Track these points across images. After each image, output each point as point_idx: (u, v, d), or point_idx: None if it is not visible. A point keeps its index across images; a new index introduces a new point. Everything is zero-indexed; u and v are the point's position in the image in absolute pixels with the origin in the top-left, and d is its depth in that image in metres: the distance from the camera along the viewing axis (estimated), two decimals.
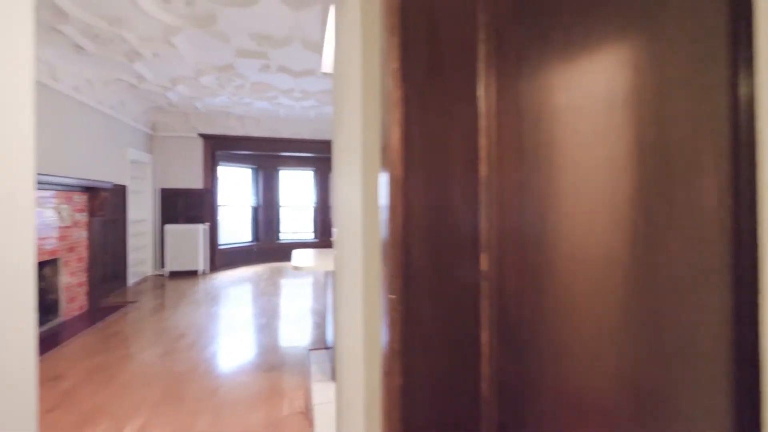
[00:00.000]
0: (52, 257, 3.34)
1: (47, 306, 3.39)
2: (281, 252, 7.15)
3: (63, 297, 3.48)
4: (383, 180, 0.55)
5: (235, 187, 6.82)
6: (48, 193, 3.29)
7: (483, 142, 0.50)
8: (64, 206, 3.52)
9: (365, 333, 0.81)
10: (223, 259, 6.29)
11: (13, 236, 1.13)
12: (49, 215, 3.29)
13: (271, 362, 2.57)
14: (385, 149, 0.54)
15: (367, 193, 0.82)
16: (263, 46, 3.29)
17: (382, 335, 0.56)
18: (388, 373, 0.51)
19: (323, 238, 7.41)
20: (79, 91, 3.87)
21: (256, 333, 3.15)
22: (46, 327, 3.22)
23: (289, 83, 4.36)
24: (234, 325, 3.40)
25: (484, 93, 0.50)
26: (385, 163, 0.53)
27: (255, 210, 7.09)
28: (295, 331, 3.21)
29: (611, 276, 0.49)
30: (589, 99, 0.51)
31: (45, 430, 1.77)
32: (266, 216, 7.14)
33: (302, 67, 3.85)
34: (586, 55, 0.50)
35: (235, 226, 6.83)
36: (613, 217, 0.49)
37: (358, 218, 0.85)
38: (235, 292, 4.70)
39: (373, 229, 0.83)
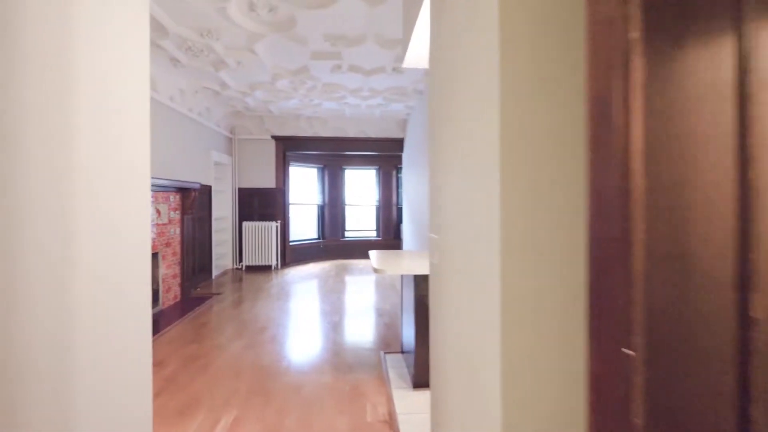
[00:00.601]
0: (153, 252, 3.71)
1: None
2: (346, 249, 7.29)
3: (162, 288, 3.86)
4: (600, 184, 0.42)
5: (303, 186, 7.09)
6: (153, 194, 3.65)
7: (757, 134, 0.34)
8: (162, 205, 3.89)
9: (508, 368, 0.69)
10: (293, 255, 6.58)
11: (134, 230, 1.20)
12: (152, 213, 3.66)
13: (349, 363, 2.56)
14: (602, 143, 0.41)
15: (510, 194, 0.69)
16: (337, 46, 3.30)
17: (595, 401, 0.43)
18: None
19: (386, 236, 7.41)
20: (173, 101, 4.25)
21: (331, 331, 3.19)
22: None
23: (358, 82, 4.37)
24: (309, 321, 3.48)
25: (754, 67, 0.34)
26: (608, 162, 0.40)
27: (321, 208, 7.32)
28: (367, 331, 3.19)
29: None
30: None
31: (152, 416, 1.92)
32: (332, 214, 7.33)
33: (373, 65, 3.82)
34: None
35: (302, 223, 7.11)
36: None
37: (493, 223, 0.73)
38: (306, 288, 4.86)
39: (515, 237, 0.70)
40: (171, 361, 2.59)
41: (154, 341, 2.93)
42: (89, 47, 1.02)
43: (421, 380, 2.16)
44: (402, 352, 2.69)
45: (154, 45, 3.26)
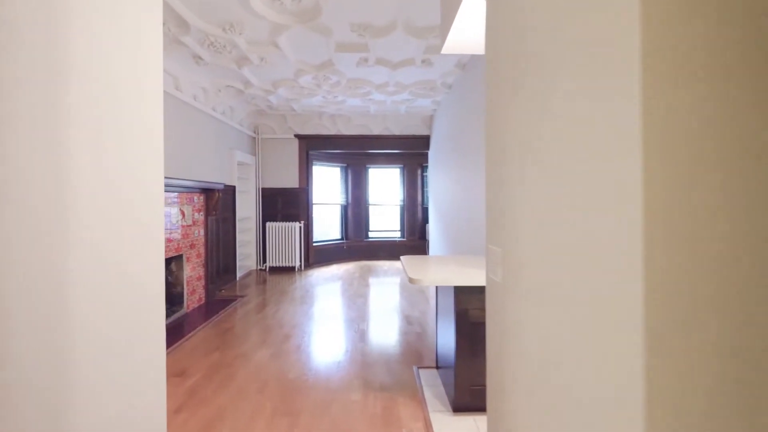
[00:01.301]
0: (177, 253, 3.65)
1: (173, 298, 3.72)
2: (370, 250, 7.12)
3: (186, 290, 3.80)
4: None
5: (326, 186, 6.96)
6: (174, 195, 3.58)
7: None
8: (186, 206, 3.82)
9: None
10: (316, 256, 6.46)
11: (147, 232, 1.05)
12: (176, 215, 3.59)
13: (379, 378, 2.36)
14: None
15: (662, 202, 0.46)
16: (364, 36, 3.10)
17: None
18: None
19: (411, 236, 7.18)
20: (196, 100, 4.18)
21: (358, 340, 3.00)
22: (173, 318, 3.52)
23: (384, 76, 4.15)
24: (334, 328, 3.31)
25: None
26: None
27: (344, 208, 7.17)
28: (397, 341, 2.98)
29: None
30: None
31: None
32: (355, 214, 7.17)
33: (401, 57, 3.59)
34: None
35: (326, 224, 6.98)
36: None
37: (626, 238, 0.50)
38: (330, 291, 4.71)
39: (665, 253, 0.47)
40: (194, 370, 2.47)
41: (177, 347, 2.84)
42: (92, 39, 0.86)
43: (462, 403, 1.93)
44: (437, 367, 2.47)
45: (176, 42, 3.16)
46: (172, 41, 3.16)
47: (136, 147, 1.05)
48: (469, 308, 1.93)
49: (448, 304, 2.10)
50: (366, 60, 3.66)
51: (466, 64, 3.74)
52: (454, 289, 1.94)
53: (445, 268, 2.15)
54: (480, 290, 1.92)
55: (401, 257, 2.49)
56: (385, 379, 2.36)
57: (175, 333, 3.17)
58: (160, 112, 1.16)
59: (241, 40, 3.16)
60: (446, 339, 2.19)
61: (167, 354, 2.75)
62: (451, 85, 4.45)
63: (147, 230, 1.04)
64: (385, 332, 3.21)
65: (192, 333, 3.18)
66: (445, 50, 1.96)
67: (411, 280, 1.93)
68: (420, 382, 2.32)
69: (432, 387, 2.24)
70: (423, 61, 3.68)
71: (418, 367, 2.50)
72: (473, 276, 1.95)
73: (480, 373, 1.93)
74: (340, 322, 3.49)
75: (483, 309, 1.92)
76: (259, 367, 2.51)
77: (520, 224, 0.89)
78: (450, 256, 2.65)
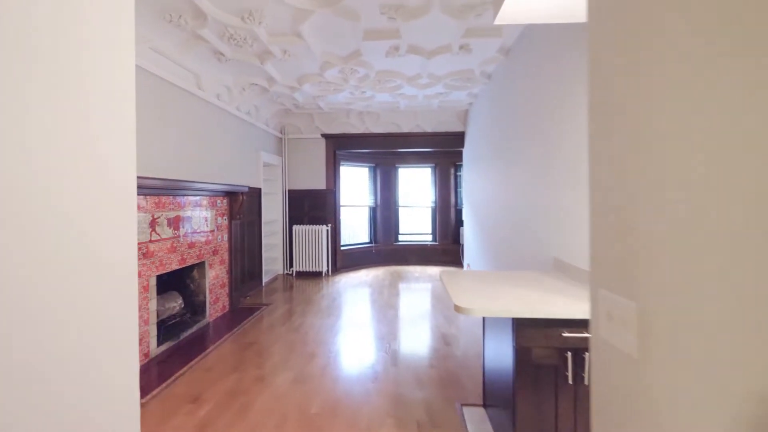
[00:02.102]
0: (199, 260, 3.47)
1: (195, 307, 3.54)
2: (400, 254, 6.77)
3: (209, 298, 3.62)
4: None
5: (354, 187, 6.67)
6: (196, 199, 3.40)
7: None
8: (210, 210, 3.64)
9: None
10: (344, 260, 6.20)
11: (116, 240, 0.76)
12: (199, 220, 3.41)
13: (417, 415, 2.01)
14: None
15: None
16: (395, 19, 2.75)
17: None
18: None
19: (443, 240, 6.75)
20: (220, 99, 4.00)
21: (390, 365, 2.66)
22: (195, 329, 3.34)
23: (416, 67, 3.78)
24: (363, 347, 2.99)
25: None
26: None
27: (373, 210, 6.85)
28: (435, 367, 2.61)
29: None
30: None
31: None
32: (384, 216, 6.84)
33: (436, 43, 3.21)
34: None
35: (353, 226, 6.70)
36: None
37: None
38: (358, 300, 4.40)
39: None
40: (208, 397, 2.23)
41: (196, 365, 2.62)
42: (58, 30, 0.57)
43: None
44: (485, 405, 2.07)
45: (195, 37, 2.95)
46: (191, 36, 2.96)
47: (105, 142, 0.76)
48: (533, 346, 1.53)
49: (502, 335, 1.70)
50: (397, 48, 3.30)
51: (510, 49, 3.29)
52: (513, 321, 1.54)
53: (496, 291, 1.75)
54: (547, 323, 1.52)
55: (441, 275, 2.12)
56: (423, 417, 2.00)
57: (194, 347, 2.97)
58: (132, 106, 0.86)
59: (262, 30, 2.90)
60: (498, 375, 1.80)
61: (184, 373, 2.53)
62: (491, 74, 4.00)
63: (115, 234, 0.75)
64: (420, 354, 2.84)
65: (212, 348, 2.97)
66: (499, 20, 1.57)
67: (458, 309, 1.56)
68: (465, 423, 1.94)
69: (480, 430, 1.86)
70: (461, 47, 3.27)
71: (462, 404, 2.12)
72: (536, 303, 1.55)
73: (544, 420, 1.54)
74: (369, 338, 3.17)
75: (552, 348, 1.52)
76: (279, 396, 2.22)
77: (690, 264, 0.50)
78: (498, 272, 2.25)
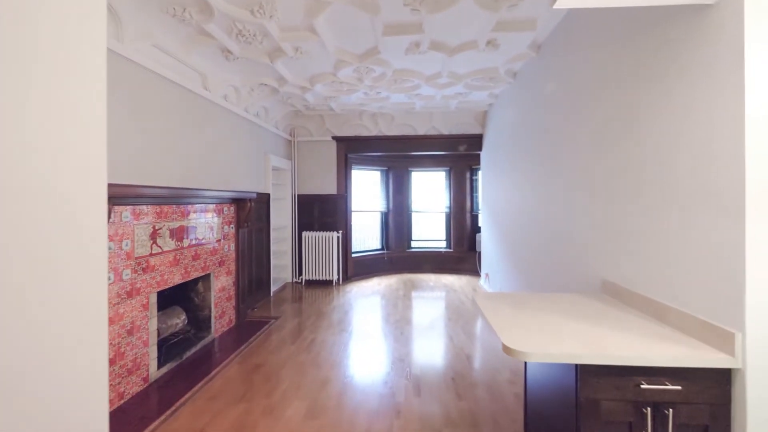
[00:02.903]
0: (204, 273, 3.24)
1: (200, 323, 3.32)
2: (413, 261, 6.50)
3: (214, 313, 3.39)
4: None
5: (365, 191, 6.42)
6: (201, 207, 3.18)
7: None
8: (216, 219, 3.42)
9: None
10: (355, 267, 5.94)
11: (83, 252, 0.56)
12: (204, 230, 3.18)
13: None
14: None
15: None
16: (419, 11, 2.49)
17: None
18: None
19: (458, 247, 6.47)
20: (227, 100, 3.78)
21: (413, 394, 2.39)
22: (200, 346, 3.11)
23: (436, 66, 3.52)
24: (381, 368, 2.73)
25: None
26: None
27: (385, 215, 6.59)
28: (463, 398, 2.33)
29: None
30: None
31: None
32: (397, 222, 6.57)
33: (462, 38, 2.95)
34: None
35: (364, 232, 6.45)
36: None
37: None
38: (372, 314, 4.14)
39: None
40: (213, 429, 1.98)
41: (199, 392, 2.38)
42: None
43: None
44: None
45: (201, 32, 2.73)
46: (197, 32, 2.73)
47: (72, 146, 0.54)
48: (601, 398, 1.25)
49: (559, 382, 1.43)
50: (417, 45, 3.05)
51: (542, 44, 3.01)
52: (577, 368, 1.27)
53: (549, 324, 1.48)
54: (619, 371, 1.24)
55: (475, 298, 1.85)
56: None
57: (198, 369, 2.73)
58: (103, 105, 0.62)
59: (273, 25, 2.67)
60: (549, 422, 1.53)
61: (186, 402, 2.30)
62: (517, 73, 3.72)
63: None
64: (444, 380, 2.57)
65: (216, 370, 2.73)
66: (559, 4, 1.30)
67: (510, 352, 1.29)
68: None
69: None
70: (488, 43, 3.01)
71: None
72: (606, 344, 1.28)
73: None
74: (385, 358, 2.91)
75: (626, 401, 1.24)
76: None
77: None
78: (540, 295, 1.97)
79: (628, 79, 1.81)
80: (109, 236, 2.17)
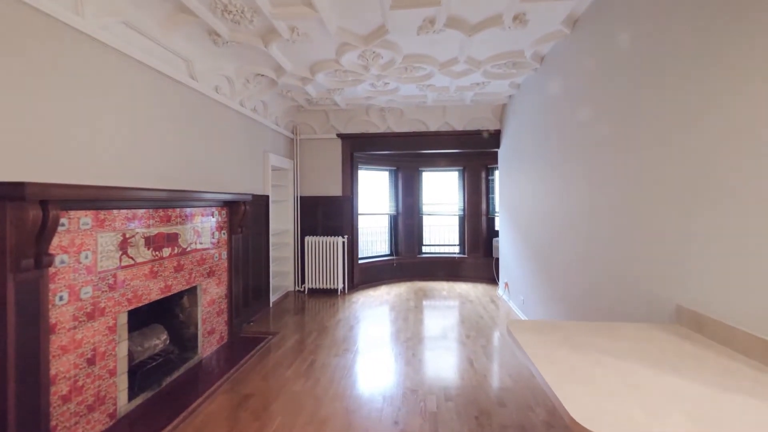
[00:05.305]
0: (190, 285, 2.85)
1: (185, 342, 2.93)
2: (424, 268, 6.05)
3: (201, 330, 3.00)
4: None
5: (373, 193, 6.01)
6: (187, 211, 2.80)
7: None
8: (205, 224, 3.04)
9: None
10: (362, 275, 5.53)
11: None
12: (190, 236, 2.80)
13: None
14: None
15: None
16: None
17: None
18: None
19: (473, 253, 6.00)
20: (219, 92, 3.41)
21: None
22: (183, 370, 2.73)
23: (453, 48, 3.10)
24: (393, 402, 2.30)
25: None
26: None
27: (394, 218, 6.17)
28: None
29: None
30: None
31: None
32: (406, 225, 6.14)
33: (484, 13, 2.52)
34: None
35: (372, 236, 6.04)
36: None
37: None
38: (380, 330, 3.71)
39: None
40: None
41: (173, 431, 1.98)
42: None
43: None
44: None
45: (182, 9, 2.35)
46: (176, 8, 2.36)
47: None
48: None
49: None
50: (432, 22, 2.62)
51: (579, 18, 2.56)
52: None
53: (626, 375, 1.04)
54: None
55: (509, 328, 1.41)
56: None
57: (178, 399, 2.34)
58: None
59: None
60: None
61: None
62: (545, 57, 3.27)
63: None
64: (468, 422, 2.13)
65: (199, 401, 2.33)
66: None
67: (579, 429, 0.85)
68: None
69: None
70: (515, 18, 2.57)
71: None
72: (719, 417, 0.84)
73: None
74: (396, 389, 2.48)
75: None
76: None
77: None
78: (596, 326, 1.53)
79: (705, 54, 1.36)
80: (61, 247, 1.80)
